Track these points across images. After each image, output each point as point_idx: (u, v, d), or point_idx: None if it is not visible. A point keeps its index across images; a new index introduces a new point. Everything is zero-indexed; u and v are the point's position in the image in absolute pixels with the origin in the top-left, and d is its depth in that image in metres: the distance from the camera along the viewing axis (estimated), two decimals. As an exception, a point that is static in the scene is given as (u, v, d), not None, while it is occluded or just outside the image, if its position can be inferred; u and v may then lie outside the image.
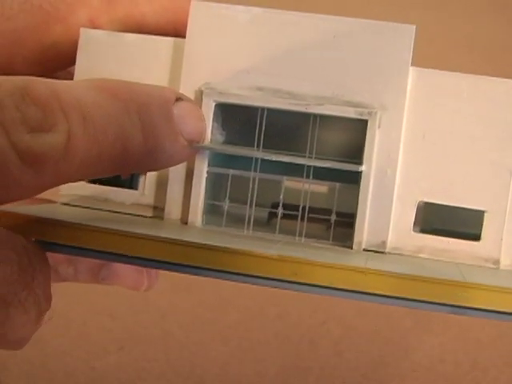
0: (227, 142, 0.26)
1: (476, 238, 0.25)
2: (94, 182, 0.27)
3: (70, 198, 0.27)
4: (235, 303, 0.50)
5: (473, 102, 0.25)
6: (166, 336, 0.46)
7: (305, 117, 0.26)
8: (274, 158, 0.25)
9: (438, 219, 0.26)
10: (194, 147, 0.24)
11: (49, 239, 0.23)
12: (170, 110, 0.23)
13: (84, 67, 0.27)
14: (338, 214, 0.26)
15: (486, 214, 0.25)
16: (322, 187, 0.27)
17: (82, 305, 0.48)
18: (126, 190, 0.27)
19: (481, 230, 0.25)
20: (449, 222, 0.26)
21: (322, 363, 0.46)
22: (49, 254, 0.26)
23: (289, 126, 0.27)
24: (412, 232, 0.25)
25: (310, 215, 0.26)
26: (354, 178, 0.25)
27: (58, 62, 0.29)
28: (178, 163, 0.24)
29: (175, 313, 0.49)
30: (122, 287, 0.31)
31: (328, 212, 0.26)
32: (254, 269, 0.23)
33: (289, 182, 0.27)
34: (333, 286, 0.22)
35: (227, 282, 0.51)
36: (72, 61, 0.28)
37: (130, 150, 0.22)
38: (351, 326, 0.49)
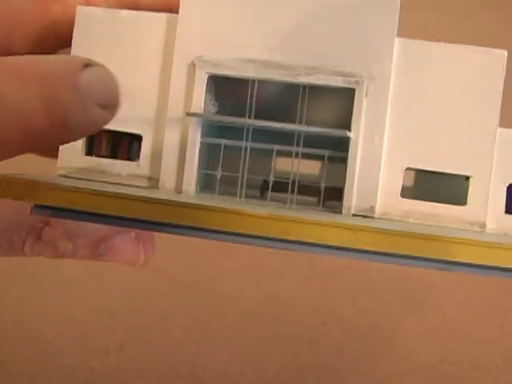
0: (220, 113, 0.27)
1: (462, 202, 0.26)
2: (90, 154, 0.27)
3: (67, 170, 0.27)
4: (235, 303, 0.50)
5: (457, 70, 0.26)
6: (166, 336, 0.46)
7: (295, 88, 0.26)
8: (264, 124, 0.26)
9: (425, 185, 0.27)
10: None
11: (44, 202, 0.24)
12: (76, 77, 0.22)
13: (80, 43, 0.27)
14: (328, 187, 0.27)
15: (471, 179, 0.26)
16: (312, 163, 0.28)
17: (82, 305, 0.48)
18: (123, 161, 0.27)
19: (467, 194, 0.26)
20: (436, 188, 0.27)
21: (322, 363, 0.46)
22: (48, 230, 0.26)
23: (280, 98, 0.27)
24: (400, 197, 0.26)
25: (301, 186, 0.27)
26: (343, 147, 0.26)
27: (57, 41, 0.29)
28: (97, 130, 0.24)
29: (175, 313, 0.49)
30: (120, 263, 0.31)
31: (318, 186, 0.27)
32: (246, 228, 0.23)
33: (280, 160, 0.27)
34: (323, 242, 0.23)
35: (227, 282, 0.51)
36: (71, 40, 0.28)
37: (33, 126, 0.22)
38: (351, 326, 0.49)
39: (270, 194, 0.27)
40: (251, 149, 0.27)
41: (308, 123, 0.26)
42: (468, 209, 0.26)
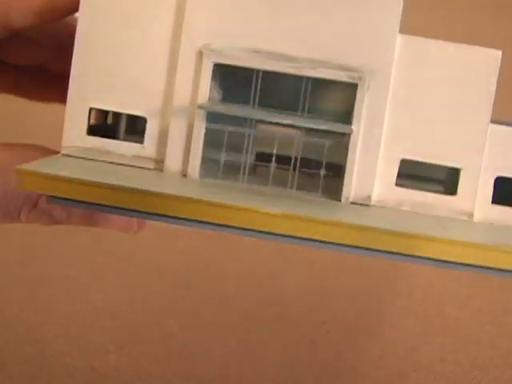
0: (224, 99, 0.28)
1: (453, 193, 0.27)
2: (94, 134, 0.28)
3: (72, 149, 0.28)
4: (235, 303, 0.50)
5: (453, 68, 0.27)
6: (166, 336, 0.46)
7: (298, 78, 0.27)
8: (271, 119, 0.27)
9: (418, 175, 0.28)
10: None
11: (62, 195, 0.25)
12: None
13: (86, 25, 0.28)
14: (327, 165, 0.28)
15: (461, 171, 0.27)
16: (311, 138, 0.29)
17: (82, 305, 0.48)
18: (128, 143, 0.28)
19: (457, 185, 0.27)
20: (428, 178, 0.28)
21: (322, 363, 0.46)
22: (42, 198, 0.28)
23: (283, 86, 0.28)
24: (394, 186, 0.28)
25: (301, 169, 0.28)
26: (344, 135, 0.27)
27: (54, 13, 0.29)
28: (69, 4, 0.27)
29: (175, 313, 0.49)
30: (113, 230, 0.32)
31: (318, 163, 0.28)
32: (259, 225, 0.24)
33: (281, 135, 0.28)
34: (331, 240, 0.25)
35: (227, 282, 0.51)
36: (68, 11, 0.29)
37: None
38: (351, 326, 0.49)
39: (271, 176, 0.28)
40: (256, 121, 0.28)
41: (310, 110, 0.28)
42: (458, 199, 0.27)
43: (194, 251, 0.55)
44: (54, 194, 0.25)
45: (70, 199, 0.25)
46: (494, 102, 0.28)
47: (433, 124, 0.27)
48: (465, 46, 0.28)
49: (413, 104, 0.27)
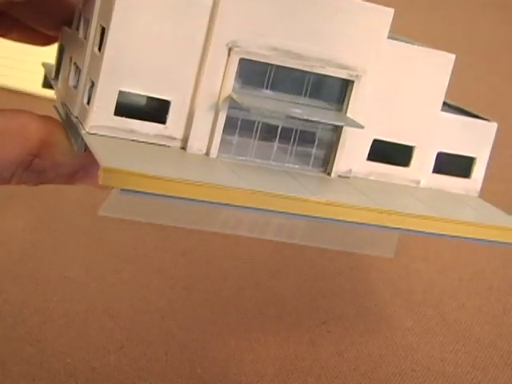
0: (242, 87, 0.32)
1: (406, 165, 0.35)
2: (120, 114, 0.31)
3: (98, 128, 0.31)
4: (235, 303, 0.50)
5: (418, 66, 0.34)
6: (166, 336, 0.46)
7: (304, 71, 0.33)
8: (302, 116, 0.32)
9: (384, 152, 0.35)
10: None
11: (141, 189, 0.27)
12: None
13: (121, 17, 0.30)
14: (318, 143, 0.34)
15: (415, 148, 0.35)
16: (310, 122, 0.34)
17: (82, 305, 0.48)
18: (150, 123, 0.31)
19: (410, 159, 0.35)
20: (390, 154, 0.35)
21: (321, 363, 0.46)
22: (37, 162, 0.31)
23: (289, 76, 0.33)
24: (366, 161, 0.34)
25: (298, 147, 0.33)
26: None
27: None
28: None
29: (175, 313, 0.49)
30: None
31: (311, 140, 0.33)
32: (308, 210, 0.29)
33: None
34: (359, 220, 0.30)
35: (227, 282, 0.51)
36: None
37: None
38: (351, 326, 0.49)
39: (276, 144, 0.33)
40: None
41: (311, 95, 0.33)
42: (409, 170, 0.35)
43: (194, 251, 0.55)
44: (138, 189, 0.27)
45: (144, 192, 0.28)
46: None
47: (398, 112, 0.34)
48: (428, 49, 0.34)
49: (385, 96, 0.34)
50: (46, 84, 0.40)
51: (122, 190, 0.27)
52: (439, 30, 0.95)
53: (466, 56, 0.87)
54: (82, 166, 0.32)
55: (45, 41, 0.39)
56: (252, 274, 0.53)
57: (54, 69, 0.39)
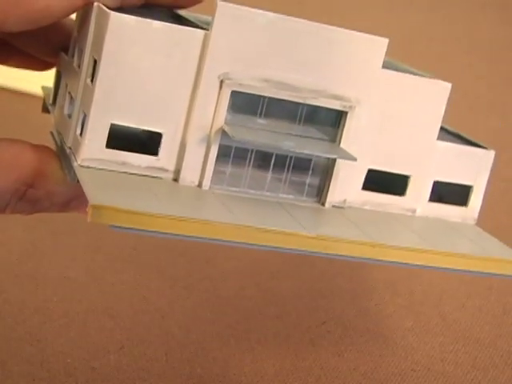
0: (235, 114, 0.32)
1: (402, 194, 0.34)
2: (112, 147, 0.31)
3: (90, 161, 0.31)
4: (235, 303, 0.50)
5: (414, 95, 0.33)
6: (166, 336, 0.46)
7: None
8: (297, 149, 0.31)
9: (379, 181, 0.34)
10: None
11: (129, 226, 0.27)
12: None
13: (112, 50, 0.30)
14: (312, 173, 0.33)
15: (411, 177, 0.34)
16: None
17: (81, 305, 0.48)
18: (142, 155, 0.31)
19: (406, 188, 0.34)
20: (385, 184, 0.34)
21: (321, 363, 0.46)
22: (31, 192, 0.31)
23: (282, 107, 0.32)
24: (361, 190, 0.34)
25: (293, 176, 0.33)
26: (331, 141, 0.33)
27: (49, 20, 0.31)
28: (65, 12, 0.28)
29: (175, 313, 0.49)
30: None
31: (304, 171, 0.33)
32: (294, 244, 0.30)
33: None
34: (352, 255, 0.29)
35: (227, 282, 0.51)
36: (63, 17, 0.31)
37: None
38: (351, 325, 0.49)
39: (270, 174, 0.33)
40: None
41: (304, 123, 0.32)
42: (405, 199, 0.34)
43: (194, 251, 0.55)
44: (129, 226, 0.27)
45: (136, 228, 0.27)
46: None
47: (394, 142, 0.34)
48: (423, 78, 0.33)
49: (380, 126, 0.33)
50: (45, 108, 0.40)
51: (111, 226, 0.27)
52: (439, 30, 0.95)
53: (465, 56, 0.87)
54: (76, 195, 0.32)
55: (43, 66, 0.39)
56: (252, 274, 0.53)
57: (51, 93, 0.39)
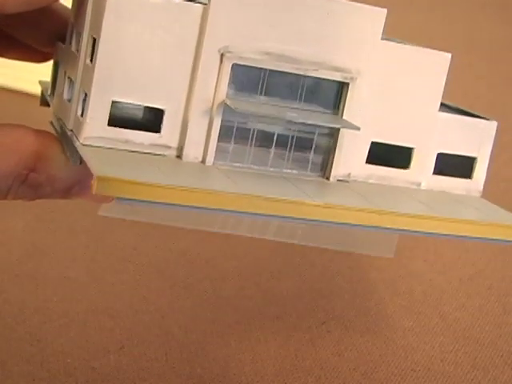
0: (236, 92, 0.32)
1: (406, 167, 0.34)
2: (114, 125, 0.30)
3: (92, 139, 0.30)
4: (235, 303, 0.50)
5: (415, 67, 0.33)
6: (166, 336, 0.46)
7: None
8: (300, 120, 0.31)
9: (383, 154, 0.34)
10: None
11: (138, 198, 0.27)
12: None
13: (111, 26, 0.30)
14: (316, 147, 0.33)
15: (414, 150, 0.34)
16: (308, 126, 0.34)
17: (81, 305, 0.48)
18: (145, 132, 0.31)
19: (410, 161, 0.34)
20: (389, 157, 0.34)
21: (321, 363, 0.46)
22: (33, 176, 0.31)
23: (283, 79, 0.32)
24: (365, 164, 0.34)
25: (295, 153, 0.33)
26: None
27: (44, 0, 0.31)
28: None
29: (175, 313, 0.49)
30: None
31: (307, 145, 0.33)
32: (306, 214, 0.29)
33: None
34: (360, 223, 0.30)
35: (227, 282, 0.51)
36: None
37: None
38: (351, 325, 0.49)
39: (273, 150, 0.33)
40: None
41: (305, 100, 0.32)
42: (409, 172, 0.34)
43: (194, 251, 0.55)
44: (133, 198, 0.27)
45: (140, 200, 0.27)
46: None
47: (396, 114, 0.34)
48: (423, 49, 0.34)
49: (382, 97, 0.33)
50: (43, 101, 0.40)
51: (117, 198, 0.27)
52: (439, 29, 0.95)
53: (465, 56, 0.87)
54: (78, 180, 0.33)
55: (41, 58, 0.40)
56: (252, 274, 0.53)
57: (50, 86, 0.39)
